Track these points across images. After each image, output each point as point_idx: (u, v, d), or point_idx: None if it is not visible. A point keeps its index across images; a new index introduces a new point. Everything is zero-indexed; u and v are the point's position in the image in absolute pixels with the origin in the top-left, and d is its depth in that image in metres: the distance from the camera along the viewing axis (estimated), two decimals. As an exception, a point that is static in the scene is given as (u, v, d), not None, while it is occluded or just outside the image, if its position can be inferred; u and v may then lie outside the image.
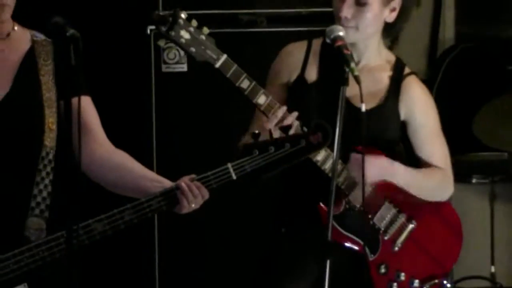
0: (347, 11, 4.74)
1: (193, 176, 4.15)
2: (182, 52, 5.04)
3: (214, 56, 4.57)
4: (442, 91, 7.03)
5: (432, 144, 5.01)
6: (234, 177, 4.17)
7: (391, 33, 4.98)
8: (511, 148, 6.62)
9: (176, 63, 6.00)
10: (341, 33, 4.54)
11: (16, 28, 4.22)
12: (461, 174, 6.19)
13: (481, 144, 6.37)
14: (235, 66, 4.61)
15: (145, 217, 4.12)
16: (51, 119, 4.16)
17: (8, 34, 4.18)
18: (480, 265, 6.61)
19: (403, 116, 4.95)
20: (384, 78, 4.93)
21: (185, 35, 4.55)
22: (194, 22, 4.55)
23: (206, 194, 4.15)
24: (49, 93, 4.17)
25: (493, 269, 6.51)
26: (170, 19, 4.54)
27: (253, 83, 4.65)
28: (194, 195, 4.15)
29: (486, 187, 6.50)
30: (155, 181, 4.22)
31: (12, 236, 4.04)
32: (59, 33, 3.80)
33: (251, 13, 6.32)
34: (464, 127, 6.30)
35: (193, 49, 4.55)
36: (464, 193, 6.42)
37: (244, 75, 4.62)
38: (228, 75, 4.62)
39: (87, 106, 4.22)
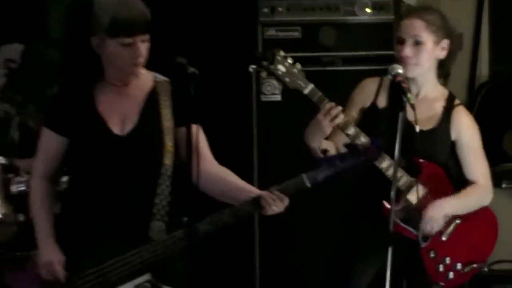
0: (408, 51, 4.98)
1: (274, 187, 4.35)
2: (276, 85, 5.45)
3: (303, 85, 4.85)
4: (479, 117, 6.36)
5: (475, 160, 5.19)
6: (309, 185, 4.39)
7: (443, 71, 5.19)
8: None
9: (272, 94, 6.18)
10: (399, 70, 4.84)
11: (142, 71, 4.39)
12: (493, 181, 5.95)
13: (509, 157, 6.59)
14: (319, 93, 4.85)
15: (239, 219, 4.33)
16: (169, 143, 4.35)
17: (137, 79, 4.39)
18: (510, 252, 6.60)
19: (453, 137, 5.15)
20: (439, 107, 5.13)
21: (281, 68, 4.83)
22: (290, 59, 4.86)
23: (286, 200, 4.33)
24: (167, 123, 4.36)
25: None
26: (271, 56, 4.83)
27: (326, 100, 4.84)
28: (273, 202, 4.30)
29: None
30: (247, 191, 4.40)
31: (139, 236, 4.27)
32: (182, 70, 4.01)
33: (330, 55, 6.57)
34: (495, 144, 6.48)
35: (287, 79, 4.84)
36: (496, 196, 6.00)
37: (326, 99, 4.84)
38: (314, 99, 4.85)
39: (199, 132, 4.32)
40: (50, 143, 4.38)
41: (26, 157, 5.74)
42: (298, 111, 5.20)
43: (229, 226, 4.36)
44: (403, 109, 4.75)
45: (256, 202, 4.32)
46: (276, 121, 6.37)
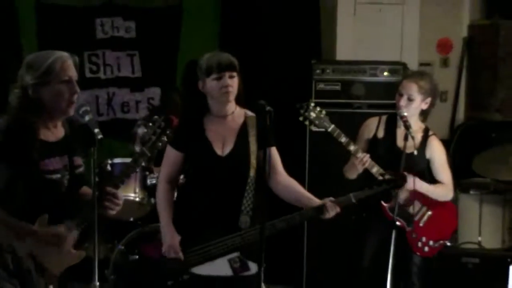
0: (403, 102, 4.96)
1: (331, 198, 4.25)
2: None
3: (327, 125, 4.81)
4: (456, 147, 7.03)
5: (443, 170, 5.13)
6: (354, 201, 4.35)
7: (424, 115, 5.11)
8: (493, 176, 6.46)
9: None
10: (405, 113, 4.88)
11: (237, 108, 4.32)
12: (464, 189, 6.54)
13: (476, 174, 6.39)
14: (338, 130, 4.81)
15: (306, 219, 4.43)
16: (253, 161, 4.24)
17: (232, 112, 4.30)
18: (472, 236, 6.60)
19: (427, 156, 5.11)
20: (418, 137, 5.05)
21: (312, 114, 4.78)
22: (317, 108, 4.79)
23: (338, 209, 4.24)
24: (253, 147, 4.24)
25: (480, 238, 6.54)
26: (306, 106, 4.78)
27: (348, 139, 4.86)
28: (331, 210, 4.23)
29: (477, 196, 6.56)
30: (311, 199, 4.28)
31: (231, 227, 4.19)
32: (262, 109, 3.90)
33: (359, 102, 6.45)
34: (467, 165, 6.32)
35: (316, 122, 4.79)
36: (465, 199, 6.59)
37: (343, 134, 4.82)
38: (334, 135, 4.81)
39: (273, 152, 4.31)
40: (172, 157, 4.35)
41: (157, 165, 5.85)
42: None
43: (298, 225, 4.32)
44: (407, 138, 4.78)
45: (319, 209, 4.23)
46: (320, 142, 6.14)
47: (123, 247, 5.49)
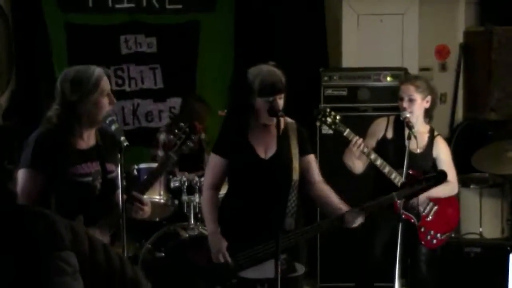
0: (406, 104, 4.90)
1: (368, 203, 4.09)
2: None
3: (343, 129, 4.69)
4: (456, 145, 7.00)
5: (448, 168, 4.94)
6: (397, 199, 4.21)
7: (428, 115, 5.03)
8: (491, 171, 6.39)
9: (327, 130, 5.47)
10: (407, 115, 4.82)
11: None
12: (465, 183, 6.40)
13: (475, 169, 6.33)
14: (353, 133, 4.73)
15: (335, 226, 4.04)
16: (296, 165, 4.09)
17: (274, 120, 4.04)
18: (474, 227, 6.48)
19: (434, 155, 5.05)
20: (425, 137, 5.00)
21: (328, 119, 4.66)
22: (333, 112, 4.67)
23: (362, 219, 4.04)
24: (295, 151, 4.11)
25: (481, 229, 6.43)
26: (323, 112, 4.67)
27: (356, 137, 4.72)
28: (353, 219, 4.03)
29: (477, 190, 6.44)
30: (339, 209, 4.08)
31: (278, 228, 3.88)
32: (276, 113, 3.88)
33: (365, 106, 6.39)
34: (467, 161, 6.22)
35: (332, 126, 4.67)
36: (466, 193, 6.43)
37: (357, 136, 4.73)
38: (349, 138, 4.69)
39: (312, 159, 4.22)
40: (215, 163, 4.15)
41: (181, 169, 5.80)
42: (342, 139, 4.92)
43: (328, 231, 4.19)
44: (410, 138, 4.71)
45: (340, 218, 4.04)
46: (330, 144, 6.05)
47: (150, 246, 5.47)
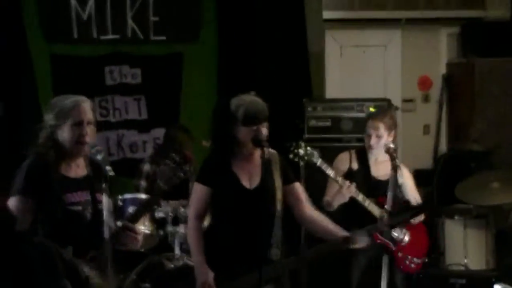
0: (373, 141, 5.05)
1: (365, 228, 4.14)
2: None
3: (315, 160, 4.71)
4: (440, 176, 7.00)
5: (413, 194, 5.12)
6: (385, 228, 4.33)
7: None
8: (475, 202, 6.30)
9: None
10: (391, 145, 4.92)
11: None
12: (449, 214, 6.32)
13: (459, 200, 6.25)
14: (325, 164, 4.75)
15: (333, 251, 4.06)
16: (279, 196, 4.08)
17: (257, 150, 4.09)
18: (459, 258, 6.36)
19: (400, 182, 4.97)
20: (388, 165, 4.93)
21: (301, 151, 4.64)
22: (305, 145, 4.65)
23: (366, 240, 4.10)
24: (278, 182, 4.09)
25: (466, 260, 6.32)
26: (295, 144, 4.63)
27: (334, 171, 4.83)
28: (359, 241, 4.09)
29: (461, 221, 6.35)
30: (337, 232, 4.10)
31: (263, 259, 3.91)
32: (259, 143, 3.94)
33: (348, 136, 6.45)
34: (450, 191, 6.15)
35: (305, 157, 4.66)
36: (450, 224, 6.33)
37: (329, 167, 4.78)
38: (322, 168, 4.74)
39: (298, 187, 4.20)
40: (200, 192, 4.12)
41: (165, 198, 5.80)
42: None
43: (327, 256, 4.13)
44: (395, 169, 4.82)
45: (346, 240, 4.06)
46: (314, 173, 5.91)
47: (135, 277, 5.43)
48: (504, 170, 6.52)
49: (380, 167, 5.08)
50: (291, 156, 4.70)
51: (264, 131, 4.03)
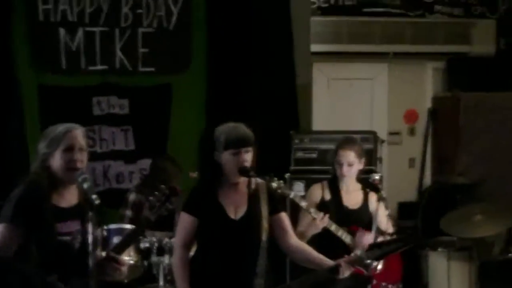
0: (345, 170, 5.08)
1: (344, 259, 4.08)
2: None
3: (288, 192, 4.77)
4: (425, 208, 7.03)
5: (386, 222, 5.08)
6: (366, 260, 4.17)
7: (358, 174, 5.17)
8: (459, 235, 6.27)
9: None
10: (377, 177, 4.97)
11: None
12: (433, 247, 6.43)
13: (443, 232, 6.13)
14: (298, 196, 4.87)
15: (321, 280, 4.08)
16: (265, 225, 4.07)
17: (244, 179, 4.11)
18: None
19: (371, 210, 5.11)
20: (359, 194, 5.16)
21: (274, 184, 4.45)
22: (276, 179, 4.51)
23: (352, 269, 4.10)
24: (265, 212, 4.09)
25: None
26: (269, 177, 4.43)
27: (307, 203, 4.88)
28: (346, 270, 4.05)
29: (445, 253, 6.48)
30: (323, 260, 4.12)
31: None
32: (246, 173, 3.97)
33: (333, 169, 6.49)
34: (435, 224, 6.00)
35: (278, 190, 4.51)
36: (433, 256, 6.48)
37: (303, 200, 4.87)
38: (296, 200, 4.80)
39: (284, 217, 4.22)
40: (186, 222, 4.14)
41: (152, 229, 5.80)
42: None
43: (314, 286, 4.13)
44: (379, 200, 4.91)
45: (334, 269, 4.07)
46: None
47: (118, 308, 5.40)
48: (488, 203, 6.47)
49: (351, 196, 5.15)
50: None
51: (247, 156, 4.04)
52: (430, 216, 6.68)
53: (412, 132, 7.74)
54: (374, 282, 5.12)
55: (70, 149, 3.67)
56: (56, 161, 3.67)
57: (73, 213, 3.71)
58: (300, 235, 4.95)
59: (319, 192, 5.25)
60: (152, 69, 7.03)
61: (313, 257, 4.15)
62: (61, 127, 3.72)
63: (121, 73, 6.98)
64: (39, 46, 6.85)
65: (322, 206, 5.13)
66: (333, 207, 5.13)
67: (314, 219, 4.89)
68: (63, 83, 6.89)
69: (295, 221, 5.02)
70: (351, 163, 5.12)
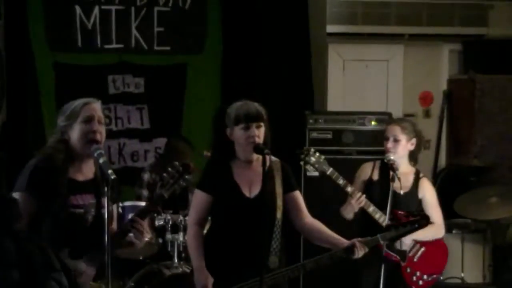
0: (390, 144, 4.98)
1: (358, 239, 4.05)
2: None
3: (326, 168, 4.81)
4: (439, 190, 6.54)
5: (434, 210, 5.06)
6: (382, 242, 4.21)
7: (413, 157, 5.10)
8: (473, 217, 6.44)
9: (312, 172, 5.52)
10: (392, 157, 4.91)
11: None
12: (447, 228, 6.06)
13: (458, 214, 6.34)
14: (336, 173, 4.85)
15: (336, 260, 4.02)
16: (280, 204, 4.06)
17: (258, 157, 4.05)
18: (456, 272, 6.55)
19: (420, 196, 5.09)
20: (410, 178, 5.07)
21: (312, 159, 4.79)
22: (317, 153, 4.80)
23: (366, 249, 4.06)
24: (279, 190, 4.08)
25: (462, 274, 6.50)
26: (306, 152, 4.80)
27: (345, 181, 4.88)
28: (360, 250, 4.02)
29: (459, 235, 6.51)
30: (338, 240, 4.07)
31: (261, 267, 3.86)
32: (261, 151, 3.92)
33: (349, 149, 6.49)
34: (449, 206, 6.16)
35: (316, 165, 4.80)
36: (449, 238, 6.14)
37: (341, 177, 4.86)
38: (333, 177, 4.84)
39: (298, 195, 4.18)
40: (200, 199, 4.13)
41: (165, 208, 5.83)
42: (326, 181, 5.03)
43: (328, 266, 4.07)
44: (393, 180, 4.81)
45: (349, 249, 4.02)
46: (315, 185, 6.18)
47: (133, 284, 5.41)
48: (503, 186, 6.61)
49: (401, 179, 4.89)
50: (301, 163, 4.80)
51: (258, 132, 4.02)
52: (445, 197, 6.45)
53: (427, 114, 7.71)
54: (408, 270, 5.04)
55: (89, 120, 3.67)
56: (75, 133, 3.67)
57: (88, 187, 3.71)
58: (342, 213, 5.01)
59: (369, 170, 5.16)
60: (168, 48, 7.04)
61: (327, 236, 4.12)
62: (79, 101, 3.73)
63: (136, 51, 6.99)
64: (55, 24, 6.88)
65: (368, 186, 5.10)
66: (379, 188, 5.04)
67: (350, 197, 4.85)
68: (78, 62, 6.92)
69: (321, 201, 5.05)
70: (397, 138, 4.98)
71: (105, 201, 3.56)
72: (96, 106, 3.73)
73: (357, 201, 4.85)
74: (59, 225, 3.62)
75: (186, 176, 3.81)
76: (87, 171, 3.75)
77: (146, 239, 3.78)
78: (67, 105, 3.74)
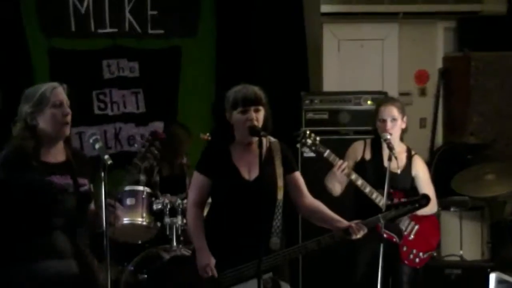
0: (389, 125, 4.96)
1: (359, 220, 4.06)
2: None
3: (323, 150, 4.80)
4: (436, 168, 7.06)
5: (427, 186, 5.08)
6: (382, 221, 4.22)
7: (403, 134, 5.11)
8: (471, 194, 6.41)
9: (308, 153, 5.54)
10: (388, 136, 4.88)
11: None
12: (444, 206, 6.42)
13: (455, 192, 6.38)
14: (333, 155, 4.85)
15: (337, 241, 4.03)
16: (280, 184, 4.08)
17: (257, 140, 3.97)
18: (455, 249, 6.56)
19: (413, 174, 5.10)
20: (404, 157, 5.08)
21: (308, 141, 4.76)
22: (313, 134, 4.77)
23: (365, 230, 4.05)
24: (279, 171, 4.09)
25: (461, 251, 6.51)
26: (303, 134, 4.78)
27: (337, 158, 4.86)
28: (358, 231, 4.03)
29: (457, 213, 6.51)
30: (338, 221, 4.08)
31: (263, 248, 3.91)
32: (257, 133, 3.91)
33: (345, 129, 6.47)
34: (446, 184, 6.27)
35: (313, 147, 4.78)
36: (446, 216, 6.52)
37: (337, 158, 4.85)
38: (330, 159, 4.82)
39: (298, 176, 4.20)
40: (199, 182, 4.14)
41: (162, 192, 5.83)
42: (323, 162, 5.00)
43: (328, 247, 4.07)
44: (390, 159, 4.76)
45: (347, 230, 4.04)
46: (312, 167, 6.03)
47: (132, 268, 5.45)
48: (500, 163, 6.61)
49: (397, 159, 4.89)
50: (298, 145, 4.76)
51: (257, 115, 4.02)
52: (442, 176, 6.65)
53: (423, 92, 7.69)
54: (405, 249, 5.06)
55: (60, 104, 3.68)
56: (46, 118, 3.67)
57: (62, 168, 3.72)
58: (329, 189, 5.04)
59: (360, 150, 5.15)
60: (161, 31, 7.01)
61: (327, 217, 4.12)
62: (45, 86, 3.73)
63: (130, 35, 6.97)
64: (48, 9, 6.83)
65: (361, 165, 5.07)
66: (372, 167, 5.04)
67: (333, 166, 4.82)
68: (72, 47, 6.88)
69: (319, 182, 5.05)
70: (395, 118, 4.99)
71: (82, 180, 3.70)
72: (62, 91, 3.74)
73: (340, 169, 4.82)
74: (42, 205, 3.63)
75: (156, 143, 3.86)
76: (57, 154, 3.75)
77: (120, 222, 3.82)
78: (31, 91, 3.73)
